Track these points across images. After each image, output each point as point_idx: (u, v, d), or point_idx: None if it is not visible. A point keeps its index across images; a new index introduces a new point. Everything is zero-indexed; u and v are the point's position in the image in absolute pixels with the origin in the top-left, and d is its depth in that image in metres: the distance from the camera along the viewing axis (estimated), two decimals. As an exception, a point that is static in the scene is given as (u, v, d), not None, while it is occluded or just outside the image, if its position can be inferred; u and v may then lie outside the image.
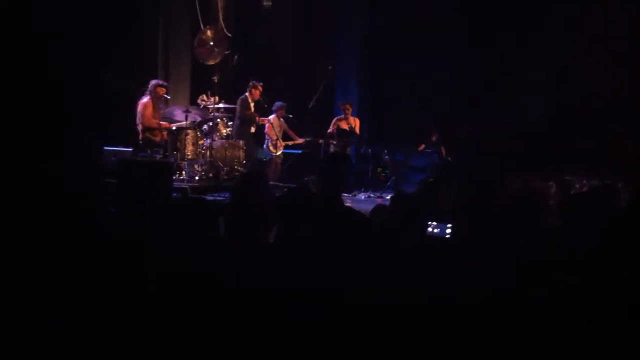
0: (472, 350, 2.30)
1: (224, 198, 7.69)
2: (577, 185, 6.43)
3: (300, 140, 10.39)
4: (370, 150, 11.35)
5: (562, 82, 10.67)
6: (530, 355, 2.33)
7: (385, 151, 11.25)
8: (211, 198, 7.60)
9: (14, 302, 2.32)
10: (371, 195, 10.40)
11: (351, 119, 10.58)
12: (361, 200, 9.85)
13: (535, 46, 10.91)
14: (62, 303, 2.32)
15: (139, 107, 8.72)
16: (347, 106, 10.54)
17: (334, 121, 10.61)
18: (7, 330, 2.20)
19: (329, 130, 10.54)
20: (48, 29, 8.08)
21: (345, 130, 10.50)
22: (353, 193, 10.44)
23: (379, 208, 3.52)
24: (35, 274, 2.42)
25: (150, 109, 8.72)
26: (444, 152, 11.44)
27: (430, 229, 3.11)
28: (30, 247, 2.59)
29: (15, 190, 3.53)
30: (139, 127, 8.73)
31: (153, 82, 8.88)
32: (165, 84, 9.07)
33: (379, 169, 11.34)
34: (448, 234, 3.13)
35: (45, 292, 2.36)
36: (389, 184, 10.87)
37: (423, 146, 11.62)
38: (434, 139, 11.61)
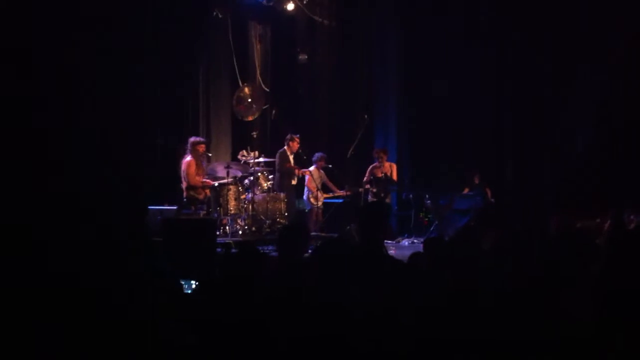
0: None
1: (268, 251, 7.73)
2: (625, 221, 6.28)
3: (340, 192, 10.48)
4: (411, 195, 11.29)
5: (609, 110, 10.42)
6: None
7: (427, 196, 11.17)
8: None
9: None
10: (415, 241, 10.30)
11: (387, 165, 10.54)
12: (405, 247, 9.79)
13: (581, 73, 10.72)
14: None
15: (183, 166, 8.89)
16: (382, 154, 10.53)
17: (369, 169, 10.60)
18: (8, 330, 2.22)
19: (364, 179, 10.54)
20: (92, 91, 8.30)
21: (380, 178, 10.48)
22: (397, 239, 10.39)
23: (415, 255, 3.51)
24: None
25: (193, 167, 8.87)
26: (488, 193, 11.29)
27: None
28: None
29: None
30: (183, 185, 8.89)
31: (191, 139, 8.99)
32: (203, 140, 9.22)
33: (422, 214, 11.25)
34: None
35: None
36: (432, 228, 10.76)
37: (467, 190, 11.47)
38: (476, 181, 11.50)
